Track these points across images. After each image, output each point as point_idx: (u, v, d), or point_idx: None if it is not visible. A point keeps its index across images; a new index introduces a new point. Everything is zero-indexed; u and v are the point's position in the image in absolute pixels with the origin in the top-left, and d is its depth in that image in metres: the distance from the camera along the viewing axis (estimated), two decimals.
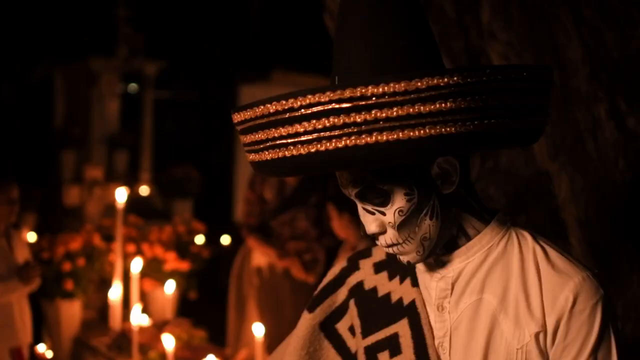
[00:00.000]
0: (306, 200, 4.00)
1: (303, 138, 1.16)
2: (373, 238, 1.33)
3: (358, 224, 3.50)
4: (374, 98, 1.12)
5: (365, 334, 1.45)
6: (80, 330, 4.13)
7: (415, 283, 1.41)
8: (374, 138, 1.12)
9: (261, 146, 1.23)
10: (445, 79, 1.11)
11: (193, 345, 3.79)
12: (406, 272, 1.43)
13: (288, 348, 1.53)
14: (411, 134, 1.12)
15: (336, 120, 1.13)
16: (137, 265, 3.81)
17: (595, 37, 2.19)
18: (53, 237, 4.18)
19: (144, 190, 10.29)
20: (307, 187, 4.00)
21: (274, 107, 1.18)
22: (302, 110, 1.15)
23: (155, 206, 10.04)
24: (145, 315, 4.05)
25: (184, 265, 4.44)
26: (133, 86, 12.71)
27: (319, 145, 1.15)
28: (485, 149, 1.29)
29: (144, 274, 4.19)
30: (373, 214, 1.30)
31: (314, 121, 1.15)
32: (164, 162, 10.90)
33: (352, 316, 1.50)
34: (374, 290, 1.48)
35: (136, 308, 3.59)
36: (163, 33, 11.56)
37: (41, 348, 3.49)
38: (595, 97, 2.20)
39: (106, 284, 4.15)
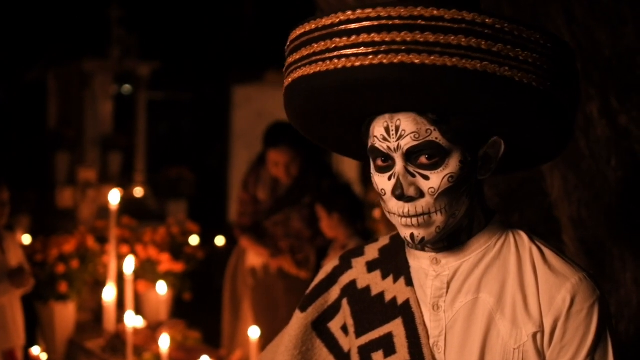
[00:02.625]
0: (299, 201, 3.99)
1: (423, 47, 1.14)
2: (400, 199, 1.27)
3: (347, 224, 3.52)
4: (487, 29, 1.16)
5: (358, 334, 1.45)
6: (74, 332, 4.11)
7: (409, 282, 1.40)
8: (476, 65, 1.15)
9: (334, 54, 1.19)
10: (538, 36, 1.19)
11: (187, 346, 3.78)
12: (400, 272, 1.42)
13: (280, 348, 1.53)
14: (512, 73, 1.16)
15: (468, 41, 1.15)
16: (130, 266, 3.80)
17: (587, 36, 2.19)
18: (46, 239, 4.16)
19: (138, 191, 10.27)
20: (300, 187, 4.00)
21: (380, 12, 1.16)
22: (430, 22, 1.15)
23: (149, 207, 10.02)
24: (139, 317, 4.04)
25: (178, 267, 4.43)
26: (126, 87, 12.69)
27: (429, 58, 1.14)
28: (539, 121, 1.28)
29: (138, 275, 4.18)
30: (414, 176, 1.26)
31: (439, 35, 1.14)
32: (158, 164, 10.89)
33: (345, 315, 1.49)
34: (367, 289, 1.47)
35: (130, 311, 3.58)
36: (156, 34, 11.54)
37: (35, 350, 3.47)
38: (587, 95, 2.20)
39: (100, 286, 4.13)
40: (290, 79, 1.28)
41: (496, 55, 1.15)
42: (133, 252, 4.34)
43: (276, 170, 3.97)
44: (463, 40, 1.14)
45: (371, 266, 1.49)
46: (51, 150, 10.63)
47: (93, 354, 3.85)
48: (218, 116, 11.86)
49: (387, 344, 1.39)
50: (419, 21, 1.14)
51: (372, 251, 1.52)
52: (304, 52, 1.23)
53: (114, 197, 3.87)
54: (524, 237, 1.36)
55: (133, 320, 3.57)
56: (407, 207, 1.27)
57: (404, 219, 1.28)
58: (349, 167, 9.82)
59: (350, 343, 1.47)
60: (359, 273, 1.50)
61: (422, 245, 1.30)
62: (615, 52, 2.16)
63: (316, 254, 3.95)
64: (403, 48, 1.14)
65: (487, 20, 1.15)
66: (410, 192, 1.26)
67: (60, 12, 11.06)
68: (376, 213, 5.69)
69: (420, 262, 1.39)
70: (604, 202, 2.22)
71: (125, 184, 9.88)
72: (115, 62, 10.65)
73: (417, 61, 1.14)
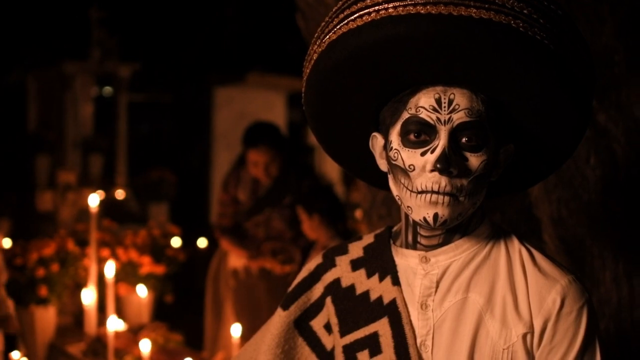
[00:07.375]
0: (280, 201, 3.98)
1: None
2: (442, 172, 1.23)
3: (328, 225, 3.50)
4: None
5: (343, 333, 1.44)
6: (55, 336, 4.07)
7: (396, 281, 1.39)
8: (510, 21, 1.17)
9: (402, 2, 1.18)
10: (560, 12, 1.27)
11: (169, 349, 3.76)
12: (386, 270, 1.42)
13: (261, 346, 1.51)
14: (542, 39, 1.20)
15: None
16: (111, 269, 3.77)
17: None
18: (26, 242, 4.12)
19: (119, 194, 10.21)
20: (280, 188, 3.99)
21: None
22: None
23: (130, 210, 9.96)
24: (120, 320, 4.02)
25: (160, 269, 4.40)
26: (107, 89, 12.62)
27: (473, 11, 1.16)
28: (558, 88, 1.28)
29: (119, 278, 4.15)
30: (455, 154, 1.25)
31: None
32: (139, 166, 10.83)
33: (328, 314, 1.48)
34: (352, 288, 1.46)
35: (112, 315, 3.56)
36: (137, 35, 11.49)
37: (15, 355, 3.44)
38: None
39: (81, 289, 4.11)
40: (337, 34, 1.24)
41: (527, 17, 1.18)
42: (114, 255, 4.31)
43: (256, 170, 3.96)
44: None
45: (355, 264, 1.48)
46: (31, 152, 10.55)
47: (74, 358, 3.83)
48: (199, 117, 11.83)
49: (372, 343, 1.39)
50: None
51: (356, 249, 1.51)
52: (360, 4, 1.22)
53: (94, 199, 3.84)
54: (513, 239, 1.37)
55: (114, 324, 3.54)
56: (443, 182, 1.23)
57: (434, 196, 1.24)
58: (331, 168, 9.82)
59: (334, 342, 1.46)
60: (343, 271, 1.49)
61: (442, 227, 1.28)
62: (593, 50, 2.17)
63: (301, 253, 3.94)
64: (453, 1, 1.15)
65: None
66: (454, 167, 1.23)
67: (40, 14, 10.99)
68: (358, 213, 5.69)
69: (408, 260, 1.39)
70: (583, 201, 2.24)
71: (106, 187, 9.82)
72: (96, 64, 10.59)
73: (463, 13, 1.15)
